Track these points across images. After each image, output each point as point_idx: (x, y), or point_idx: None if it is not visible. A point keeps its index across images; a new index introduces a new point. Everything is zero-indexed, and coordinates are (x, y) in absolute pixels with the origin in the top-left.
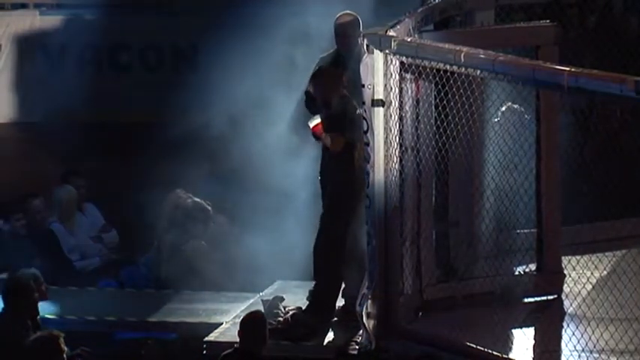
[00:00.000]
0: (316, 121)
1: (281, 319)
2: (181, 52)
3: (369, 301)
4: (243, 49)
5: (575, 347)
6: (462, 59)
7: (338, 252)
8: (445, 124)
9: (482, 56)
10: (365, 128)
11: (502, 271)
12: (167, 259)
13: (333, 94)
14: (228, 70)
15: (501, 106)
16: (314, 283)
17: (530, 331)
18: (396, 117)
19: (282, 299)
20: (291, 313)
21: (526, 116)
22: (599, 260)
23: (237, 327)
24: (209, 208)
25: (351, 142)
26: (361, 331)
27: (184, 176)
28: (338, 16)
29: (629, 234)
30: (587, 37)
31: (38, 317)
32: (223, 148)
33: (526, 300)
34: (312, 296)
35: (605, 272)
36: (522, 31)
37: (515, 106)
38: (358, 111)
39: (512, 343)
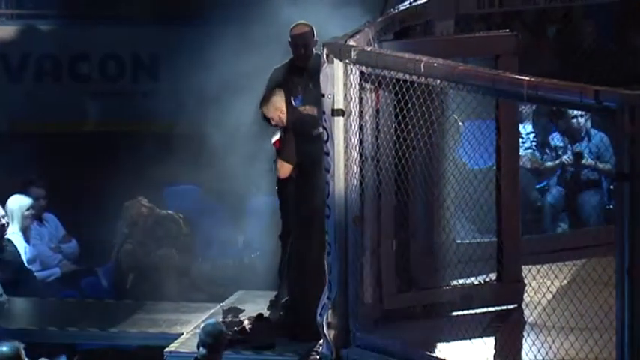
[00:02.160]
0: (276, 136)
1: (241, 328)
2: (141, 61)
3: (330, 311)
4: (204, 58)
5: (535, 356)
6: (422, 69)
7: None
8: (405, 133)
9: (441, 66)
10: (325, 138)
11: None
12: (131, 268)
13: (283, 114)
14: (189, 80)
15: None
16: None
17: (490, 341)
18: (356, 126)
19: (243, 309)
20: (251, 322)
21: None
22: (559, 269)
23: (198, 337)
24: (180, 219)
25: (306, 161)
26: (322, 341)
27: (145, 186)
28: (294, 26)
29: (589, 243)
30: (547, 46)
31: None
32: (184, 157)
33: (486, 309)
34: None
35: (565, 281)
36: (482, 40)
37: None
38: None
39: (472, 353)
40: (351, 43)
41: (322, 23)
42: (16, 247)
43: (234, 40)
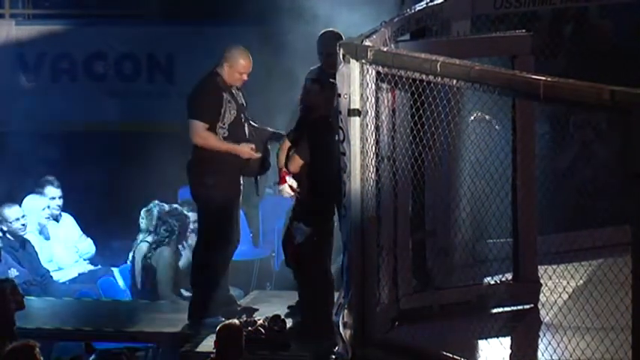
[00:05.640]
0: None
1: (256, 328)
2: (157, 61)
3: (346, 311)
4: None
5: (551, 357)
6: (438, 69)
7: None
8: (421, 133)
9: (458, 66)
10: (341, 138)
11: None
12: (146, 268)
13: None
14: None
15: (470, 115)
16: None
17: (506, 341)
18: (373, 126)
19: (257, 309)
20: (267, 322)
21: (496, 127)
22: (576, 269)
23: (214, 337)
24: (185, 212)
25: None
26: (338, 341)
27: (161, 186)
28: (323, 33)
29: (605, 243)
30: (563, 46)
31: (14, 327)
32: None
33: (502, 309)
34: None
35: (581, 281)
36: (498, 40)
37: (486, 116)
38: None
39: (488, 353)
40: (367, 43)
41: (338, 22)
42: (33, 247)
43: (252, 40)
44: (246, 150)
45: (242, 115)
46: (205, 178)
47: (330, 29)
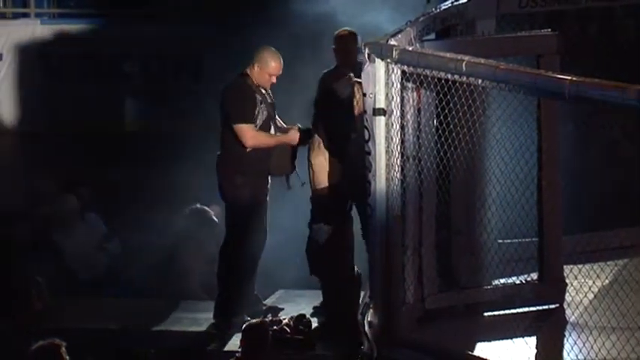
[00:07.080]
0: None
1: (282, 327)
2: (184, 61)
3: (371, 310)
4: (246, 58)
5: (576, 357)
6: (464, 68)
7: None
8: (447, 132)
9: (483, 65)
10: (366, 137)
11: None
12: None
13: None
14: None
15: None
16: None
17: (531, 340)
18: (398, 126)
19: (282, 308)
20: (292, 322)
21: None
22: (601, 269)
23: (240, 336)
24: (207, 209)
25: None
26: (363, 340)
27: (188, 186)
28: (339, 31)
29: (631, 243)
30: (588, 45)
31: (40, 326)
32: None
33: (528, 309)
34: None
35: (606, 281)
36: (524, 40)
37: None
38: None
39: (513, 352)
40: (393, 42)
41: (363, 22)
42: (58, 247)
43: (278, 40)
44: (293, 136)
45: (271, 114)
46: (234, 177)
47: (346, 28)
